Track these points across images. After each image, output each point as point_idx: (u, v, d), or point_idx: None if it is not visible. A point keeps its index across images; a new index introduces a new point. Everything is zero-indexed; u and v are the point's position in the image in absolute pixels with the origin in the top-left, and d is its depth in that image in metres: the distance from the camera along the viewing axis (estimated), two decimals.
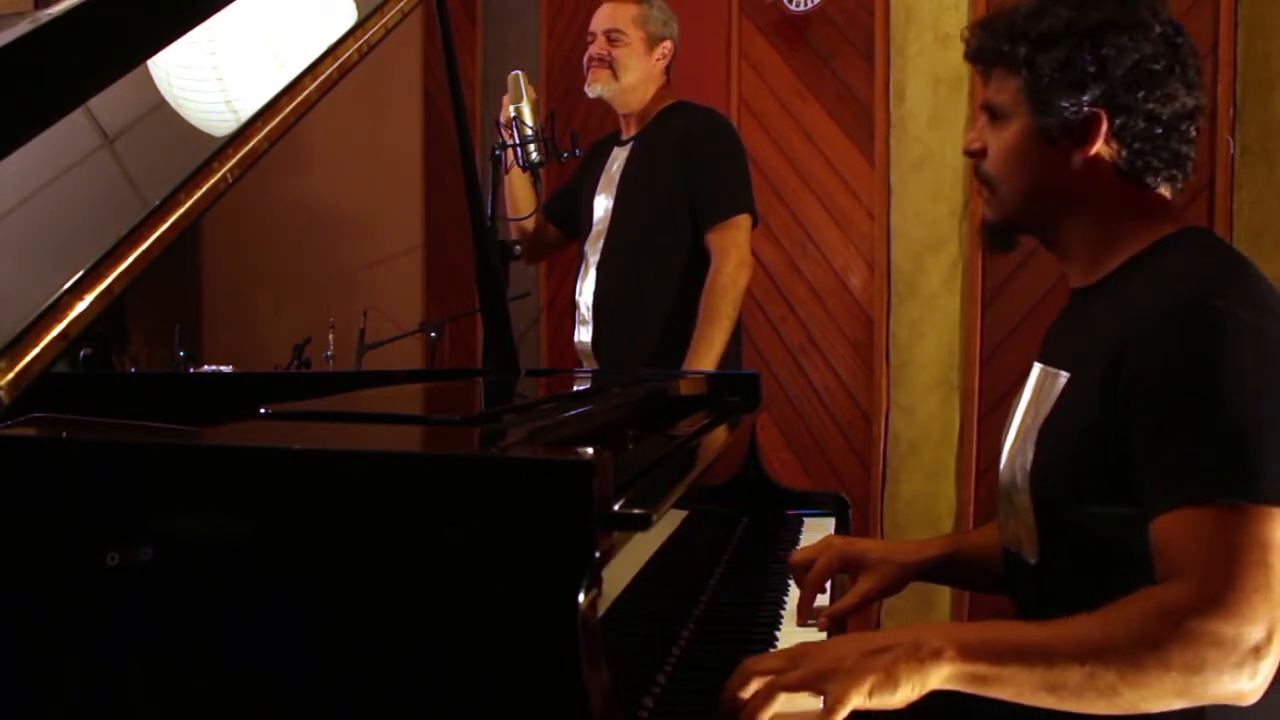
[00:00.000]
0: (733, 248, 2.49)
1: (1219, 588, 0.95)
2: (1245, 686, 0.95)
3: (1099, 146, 1.21)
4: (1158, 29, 1.20)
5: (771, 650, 1.24)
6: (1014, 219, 1.30)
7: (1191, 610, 0.95)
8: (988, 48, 1.28)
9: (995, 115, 1.29)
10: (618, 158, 2.69)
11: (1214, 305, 1.06)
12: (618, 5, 2.64)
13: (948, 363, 3.26)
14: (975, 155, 1.32)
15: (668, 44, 2.64)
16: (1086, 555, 1.16)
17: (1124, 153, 1.21)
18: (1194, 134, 1.22)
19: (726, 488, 1.70)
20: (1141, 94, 1.19)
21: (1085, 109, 1.20)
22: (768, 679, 0.96)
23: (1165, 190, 1.24)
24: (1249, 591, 0.95)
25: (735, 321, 2.48)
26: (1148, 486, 1.05)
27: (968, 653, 0.96)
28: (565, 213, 2.82)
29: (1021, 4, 1.27)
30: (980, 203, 3.23)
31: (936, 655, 0.96)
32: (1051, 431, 1.20)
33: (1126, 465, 1.08)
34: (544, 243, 2.89)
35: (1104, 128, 1.20)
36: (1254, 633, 0.94)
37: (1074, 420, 1.17)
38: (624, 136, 2.71)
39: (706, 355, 2.42)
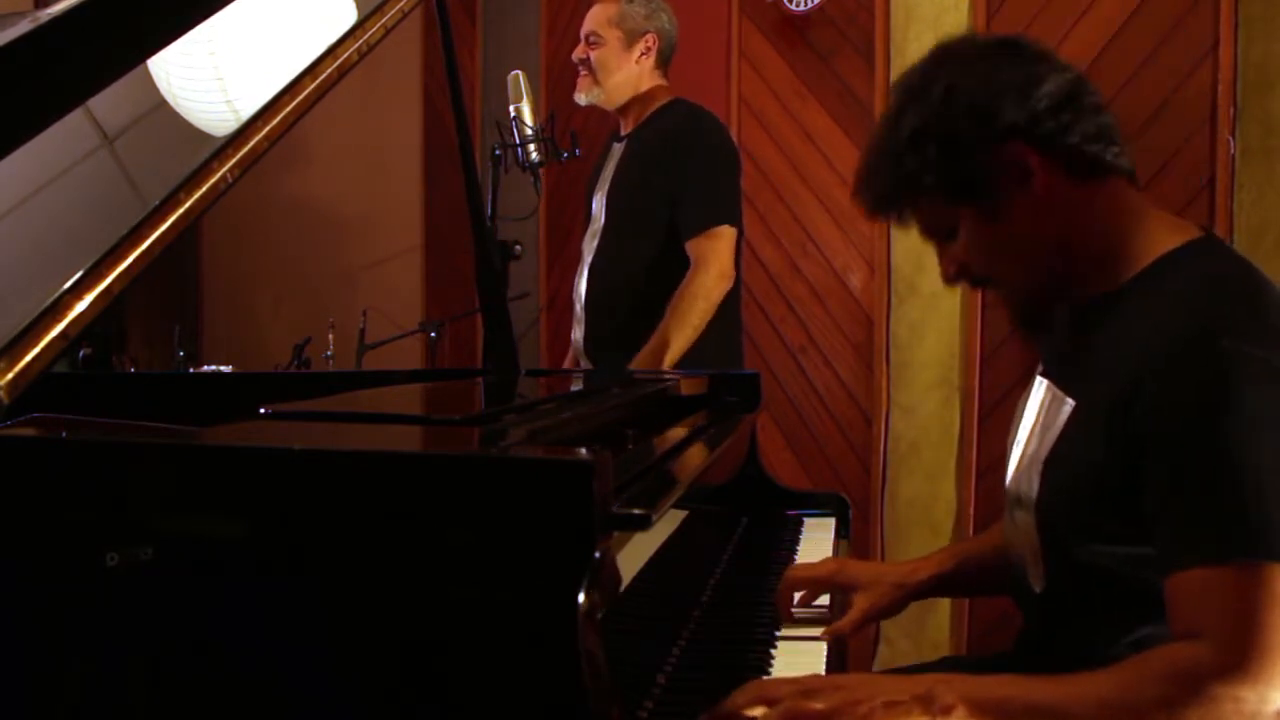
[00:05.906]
0: (713, 258, 2.43)
1: (1240, 651, 0.93)
2: None
3: (1039, 171, 1.15)
4: (975, 51, 1.20)
5: (772, 653, 1.25)
6: (1036, 294, 1.23)
7: (1212, 674, 0.93)
8: (879, 198, 1.23)
9: (943, 236, 1.23)
10: (615, 154, 2.69)
11: (1223, 347, 1.01)
12: (599, 6, 2.65)
13: (948, 363, 3.26)
14: (960, 278, 1.24)
15: (650, 37, 2.61)
16: (1093, 589, 1.14)
17: (1062, 155, 1.15)
18: (1098, 101, 1.17)
19: (726, 488, 1.70)
20: (1020, 101, 1.14)
21: (1003, 155, 1.15)
22: (779, 708, 0.95)
23: (1120, 174, 1.18)
24: (1272, 655, 0.93)
25: (699, 331, 2.40)
26: (1161, 542, 1.03)
27: (979, 710, 0.95)
28: None
29: (867, 152, 1.23)
30: None
31: (947, 712, 0.95)
32: (1058, 465, 1.17)
33: (1135, 506, 1.06)
34: None
35: (1029, 151, 1.15)
36: (1276, 696, 0.92)
37: (1081, 457, 1.13)
38: (621, 133, 2.71)
39: (660, 356, 2.35)
